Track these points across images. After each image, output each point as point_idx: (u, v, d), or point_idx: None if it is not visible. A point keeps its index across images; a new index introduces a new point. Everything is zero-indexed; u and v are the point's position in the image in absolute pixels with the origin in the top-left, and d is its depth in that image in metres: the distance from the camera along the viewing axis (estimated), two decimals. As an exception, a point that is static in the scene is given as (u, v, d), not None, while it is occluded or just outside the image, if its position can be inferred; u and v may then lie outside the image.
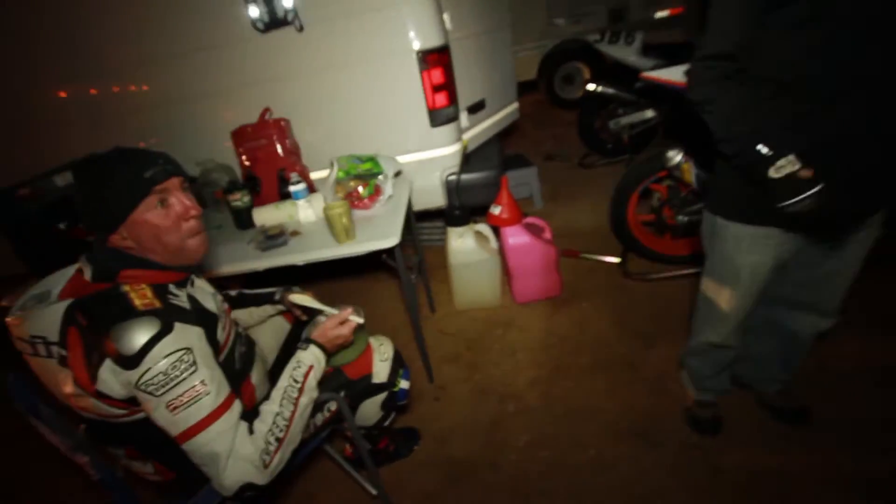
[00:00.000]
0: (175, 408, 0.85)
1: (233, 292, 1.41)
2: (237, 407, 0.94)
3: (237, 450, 0.89)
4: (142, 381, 0.84)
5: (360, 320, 1.15)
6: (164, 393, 0.85)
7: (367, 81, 2.05)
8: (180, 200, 0.97)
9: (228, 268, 1.58)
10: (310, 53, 2.03)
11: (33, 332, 0.95)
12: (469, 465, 1.59)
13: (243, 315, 1.37)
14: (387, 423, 1.38)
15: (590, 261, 2.52)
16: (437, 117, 2.09)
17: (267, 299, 1.38)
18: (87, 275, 0.94)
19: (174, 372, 0.85)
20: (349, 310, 1.15)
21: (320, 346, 1.10)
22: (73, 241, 2.01)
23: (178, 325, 0.89)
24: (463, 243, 2.17)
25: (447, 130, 2.15)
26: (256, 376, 1.20)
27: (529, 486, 1.48)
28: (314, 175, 2.15)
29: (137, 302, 0.89)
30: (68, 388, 0.95)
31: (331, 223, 1.51)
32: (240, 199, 1.81)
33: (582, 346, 1.99)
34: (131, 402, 0.91)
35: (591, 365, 1.89)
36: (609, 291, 2.29)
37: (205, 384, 0.88)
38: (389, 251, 1.58)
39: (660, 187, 2.23)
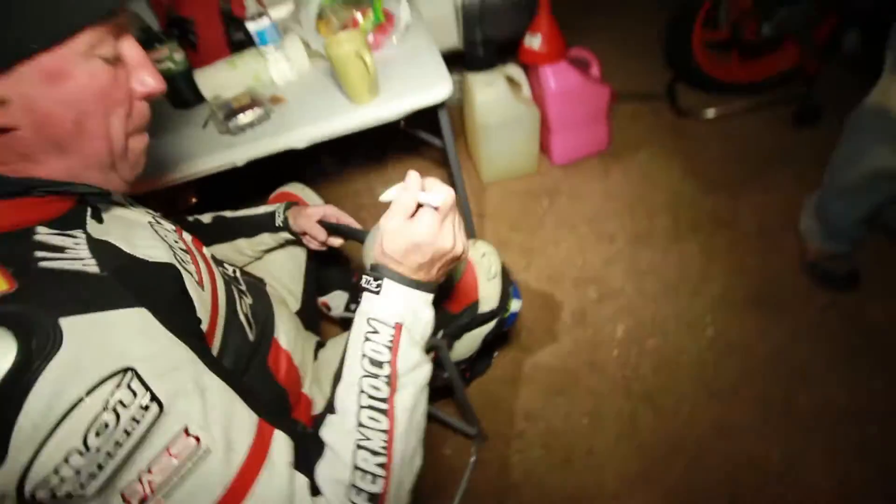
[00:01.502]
0: (144, 500, 0.39)
1: (204, 217, 0.88)
2: (281, 448, 0.46)
3: None
4: (35, 483, 0.35)
5: (449, 194, 0.51)
6: (103, 486, 0.37)
7: None
8: (138, 57, 0.48)
9: (184, 170, 1.00)
10: None
11: None
12: (564, 370, 1.29)
13: (228, 252, 0.87)
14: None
15: (630, 101, 2.05)
16: None
17: (264, 225, 0.86)
18: None
19: (111, 436, 0.37)
20: (412, 175, 0.51)
21: (409, 280, 0.53)
22: None
23: (68, 323, 0.37)
24: (493, 94, 1.62)
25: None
26: (285, 335, 0.75)
27: (647, 385, 1.22)
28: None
29: None
30: None
31: (341, 71, 0.93)
32: (168, 56, 1.14)
33: (655, 206, 1.62)
34: None
35: (673, 227, 1.55)
36: (664, 137, 1.87)
37: (189, 434, 0.41)
38: (432, 110, 1.05)
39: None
